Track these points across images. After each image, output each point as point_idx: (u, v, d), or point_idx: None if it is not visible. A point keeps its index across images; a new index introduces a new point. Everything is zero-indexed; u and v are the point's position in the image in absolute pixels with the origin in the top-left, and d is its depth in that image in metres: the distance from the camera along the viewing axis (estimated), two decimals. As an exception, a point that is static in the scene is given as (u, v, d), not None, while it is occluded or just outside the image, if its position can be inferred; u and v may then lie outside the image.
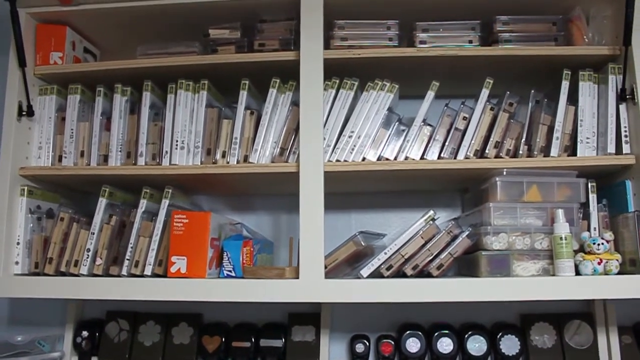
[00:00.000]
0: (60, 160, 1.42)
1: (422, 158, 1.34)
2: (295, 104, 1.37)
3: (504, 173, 1.30)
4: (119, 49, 1.55)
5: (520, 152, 1.33)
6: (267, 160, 1.35)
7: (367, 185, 1.56)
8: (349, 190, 1.62)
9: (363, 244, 1.29)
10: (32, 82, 1.44)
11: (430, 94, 1.35)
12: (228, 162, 1.35)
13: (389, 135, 1.35)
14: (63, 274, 1.37)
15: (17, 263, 1.36)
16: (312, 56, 1.32)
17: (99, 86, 1.44)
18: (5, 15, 1.38)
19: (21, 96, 1.41)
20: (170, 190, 1.39)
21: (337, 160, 1.33)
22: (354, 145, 1.34)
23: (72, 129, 1.43)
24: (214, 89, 1.43)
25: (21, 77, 1.40)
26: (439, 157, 1.34)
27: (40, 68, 1.45)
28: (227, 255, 1.36)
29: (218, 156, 1.36)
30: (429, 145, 1.35)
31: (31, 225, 1.39)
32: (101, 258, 1.36)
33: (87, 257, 1.35)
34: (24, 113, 1.40)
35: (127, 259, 1.36)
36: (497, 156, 1.33)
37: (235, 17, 1.41)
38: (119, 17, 1.45)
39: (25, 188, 1.39)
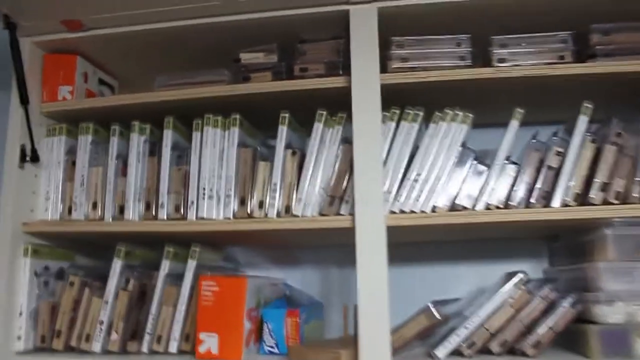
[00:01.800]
0: (70, 212, 1.21)
1: (506, 205, 1.07)
2: (347, 140, 1.12)
3: (615, 224, 1.02)
4: (140, 78, 1.33)
5: (635, 195, 1.04)
6: (314, 212, 1.10)
7: (434, 234, 1.30)
8: (410, 240, 1.35)
9: (438, 316, 1.02)
10: (38, 121, 1.23)
11: (514, 124, 1.08)
12: (267, 215, 1.11)
13: (465, 177, 1.09)
14: (73, 350, 1.15)
15: (19, 338, 1.14)
16: (366, 81, 1.07)
17: (114, 124, 1.23)
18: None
19: (25, 139, 1.20)
20: (197, 249, 1.15)
21: (402, 211, 1.07)
22: (421, 191, 1.08)
23: (83, 175, 1.21)
24: (247, 125, 1.20)
25: (24, 117, 1.20)
26: (528, 203, 1.07)
27: (47, 105, 1.25)
28: (267, 326, 1.11)
29: (254, 207, 1.12)
30: (514, 187, 1.08)
31: (37, 291, 1.18)
32: (117, 332, 1.13)
33: (101, 331, 1.13)
34: (27, 158, 1.20)
35: (148, 333, 1.13)
36: (604, 202, 1.04)
37: (271, 38, 1.17)
38: (136, 43, 1.23)
39: (30, 247, 1.18)
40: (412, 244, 1.38)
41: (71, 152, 1.24)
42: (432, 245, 1.37)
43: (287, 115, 1.14)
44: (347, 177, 1.11)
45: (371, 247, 1.01)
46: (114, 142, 1.22)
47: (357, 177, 1.04)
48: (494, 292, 1.06)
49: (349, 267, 1.29)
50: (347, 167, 1.11)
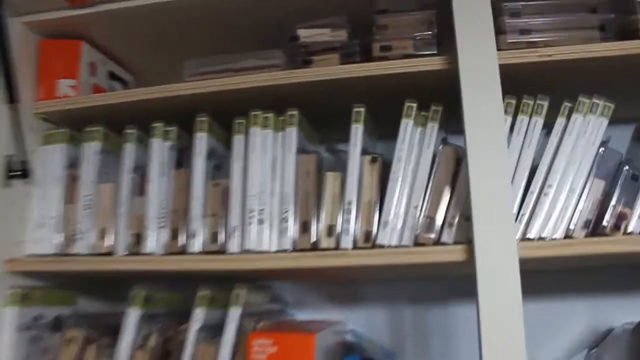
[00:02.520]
0: (71, 244, 0.91)
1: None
2: (446, 142, 0.82)
3: None
4: (163, 72, 1.03)
5: None
6: (405, 239, 0.80)
7: (552, 264, 0.99)
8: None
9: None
10: (30, 124, 0.95)
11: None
12: (339, 246, 0.80)
13: (615, 190, 0.78)
14: None
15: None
16: (479, 62, 0.77)
17: (129, 127, 0.93)
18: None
19: (12, 148, 0.91)
20: (242, 293, 0.85)
21: (541, 238, 0.76)
22: (553, 208, 0.77)
23: (88, 195, 0.92)
24: (307, 124, 0.90)
25: (12, 119, 0.91)
26: None
27: (42, 104, 0.96)
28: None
29: (321, 234, 0.82)
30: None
31: (24, 353, 0.87)
32: (133, 409, 0.82)
33: (111, 408, 0.82)
34: (16, 173, 0.91)
35: (175, 412, 0.82)
36: None
37: (339, 8, 0.88)
38: (159, 22, 0.95)
39: (17, 292, 0.87)
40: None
41: (73, 165, 0.95)
42: (543, 275, 1.05)
43: (362, 110, 0.84)
44: (449, 191, 0.81)
45: (500, 288, 0.70)
46: (130, 150, 0.93)
47: (474, 192, 0.73)
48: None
49: (424, 303, 1.08)
50: (449, 177, 0.81)
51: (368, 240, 0.81)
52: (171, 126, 0.92)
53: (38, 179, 0.94)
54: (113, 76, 1.06)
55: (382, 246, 0.79)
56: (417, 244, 0.79)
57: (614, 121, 0.79)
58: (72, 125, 0.96)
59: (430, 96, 0.83)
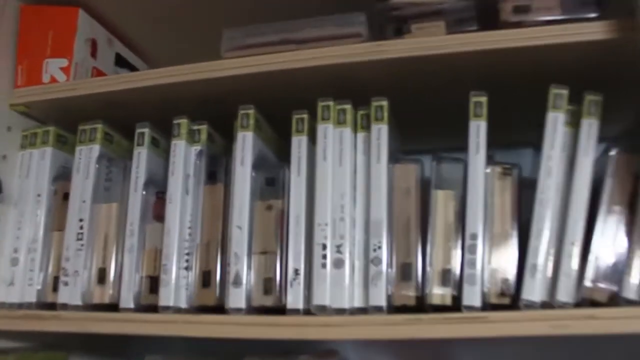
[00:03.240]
0: (55, 288, 0.64)
1: None
2: (616, 146, 0.55)
3: None
4: (187, 57, 0.75)
5: None
6: (562, 294, 0.52)
7: None
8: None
9: None
10: (5, 120, 0.68)
11: None
12: (459, 303, 0.53)
13: None
14: None
15: None
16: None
17: (141, 126, 0.66)
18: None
19: (-23, 152, 0.64)
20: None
21: None
22: None
23: (82, 219, 0.64)
24: (394, 121, 0.63)
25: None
26: None
27: (23, 92, 0.70)
28: None
29: (428, 281, 0.54)
30: None
31: None
32: None
33: None
34: (-20, 188, 0.64)
35: None
36: None
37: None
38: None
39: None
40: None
41: (62, 177, 0.68)
42: None
43: (484, 100, 0.57)
44: (626, 220, 0.53)
45: None
46: (142, 157, 0.65)
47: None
48: None
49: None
50: (624, 198, 0.53)
51: (505, 294, 0.53)
52: (201, 123, 0.65)
53: (13, 195, 0.67)
54: (120, 60, 0.80)
55: (530, 304, 0.52)
56: (583, 301, 0.52)
57: None
58: (63, 121, 0.70)
59: (573, 82, 0.56)
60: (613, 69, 0.56)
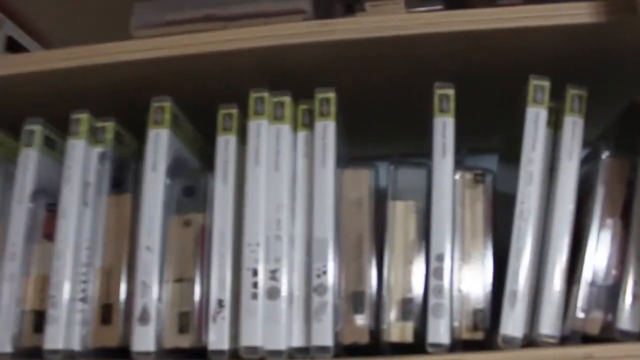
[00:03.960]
0: None
1: None
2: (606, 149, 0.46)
3: None
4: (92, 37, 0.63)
5: None
6: (549, 327, 0.42)
7: None
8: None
9: None
10: None
11: None
12: (423, 344, 0.42)
13: None
14: None
15: None
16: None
17: (32, 122, 0.53)
18: None
19: None
20: None
21: None
22: None
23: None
24: (344, 119, 0.53)
25: None
26: None
27: None
28: None
29: (385, 317, 0.43)
30: None
31: None
32: None
33: None
34: None
35: None
36: None
37: None
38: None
39: None
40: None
41: None
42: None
43: (451, 92, 0.47)
44: (619, 234, 0.44)
45: None
46: (31, 160, 0.52)
47: None
48: None
49: None
50: (617, 209, 0.45)
51: (478, 328, 0.43)
52: (106, 120, 0.53)
53: None
54: (13, 45, 0.66)
55: (510, 340, 0.42)
56: (573, 335, 0.42)
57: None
58: None
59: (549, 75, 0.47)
60: (601, 59, 0.48)
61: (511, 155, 0.53)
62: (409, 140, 0.55)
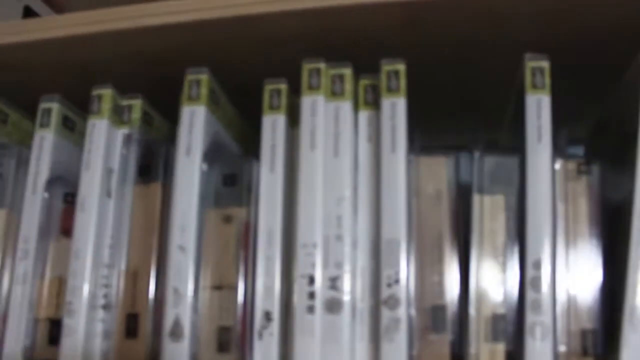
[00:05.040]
0: None
1: None
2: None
3: None
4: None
5: None
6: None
7: None
8: None
9: None
10: None
11: None
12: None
13: None
14: None
15: None
16: None
17: (48, 99, 0.46)
18: None
19: None
20: None
21: None
22: None
23: None
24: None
25: None
26: None
27: None
28: None
29: (478, 339, 0.35)
30: None
31: None
32: None
33: None
34: None
35: None
36: None
37: None
38: None
39: None
40: None
41: None
42: None
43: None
44: None
45: None
46: (46, 143, 0.45)
47: None
48: None
49: None
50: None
51: (588, 353, 0.35)
52: (133, 97, 0.46)
53: None
54: (31, 14, 0.59)
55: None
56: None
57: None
58: None
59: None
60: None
61: (608, 146, 0.44)
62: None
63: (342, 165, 0.39)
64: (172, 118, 0.44)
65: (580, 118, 0.50)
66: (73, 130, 0.48)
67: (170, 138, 0.43)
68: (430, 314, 0.36)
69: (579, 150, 0.53)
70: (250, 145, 0.44)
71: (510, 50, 0.39)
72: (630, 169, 0.37)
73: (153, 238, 0.41)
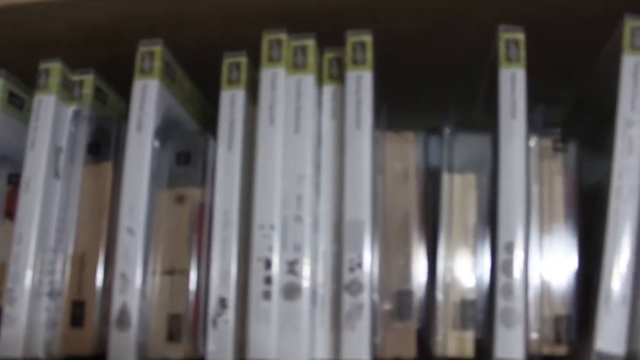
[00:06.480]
0: None
1: None
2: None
3: None
4: None
5: None
6: None
7: None
8: None
9: None
10: None
11: None
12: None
13: None
14: None
15: None
16: None
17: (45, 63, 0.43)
18: None
19: None
20: None
21: None
22: None
23: None
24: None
25: None
26: None
27: None
28: None
29: (446, 327, 0.33)
30: None
31: None
32: None
33: None
34: None
35: None
36: None
37: None
38: None
39: None
40: None
41: None
42: None
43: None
44: None
45: None
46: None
47: None
48: None
49: None
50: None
51: (561, 340, 0.33)
52: (85, 72, 0.43)
53: None
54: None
55: (608, 358, 0.31)
56: None
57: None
58: None
59: None
60: None
61: (584, 127, 0.42)
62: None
63: (304, 141, 0.36)
64: (128, 97, 0.41)
65: (557, 101, 0.49)
66: (21, 107, 0.45)
67: (125, 117, 0.41)
68: (396, 300, 0.34)
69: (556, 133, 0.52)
70: (212, 124, 0.41)
71: (485, 22, 0.37)
72: (608, 149, 0.35)
73: (102, 221, 0.39)
